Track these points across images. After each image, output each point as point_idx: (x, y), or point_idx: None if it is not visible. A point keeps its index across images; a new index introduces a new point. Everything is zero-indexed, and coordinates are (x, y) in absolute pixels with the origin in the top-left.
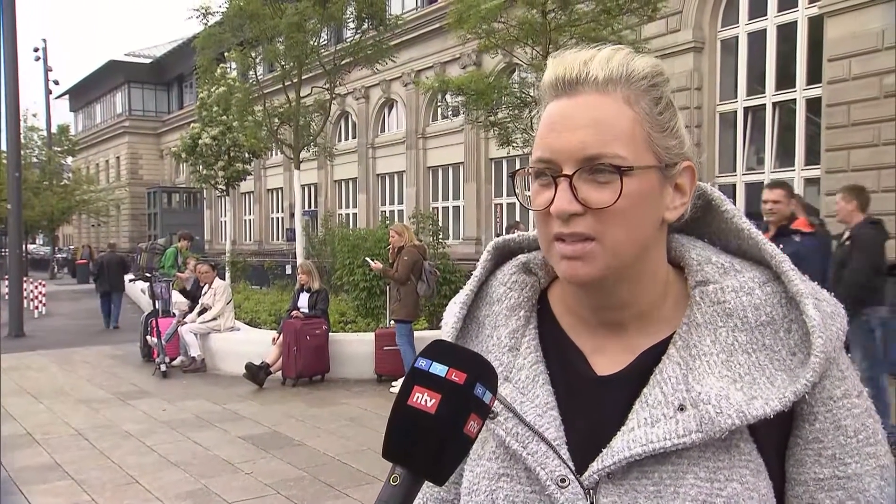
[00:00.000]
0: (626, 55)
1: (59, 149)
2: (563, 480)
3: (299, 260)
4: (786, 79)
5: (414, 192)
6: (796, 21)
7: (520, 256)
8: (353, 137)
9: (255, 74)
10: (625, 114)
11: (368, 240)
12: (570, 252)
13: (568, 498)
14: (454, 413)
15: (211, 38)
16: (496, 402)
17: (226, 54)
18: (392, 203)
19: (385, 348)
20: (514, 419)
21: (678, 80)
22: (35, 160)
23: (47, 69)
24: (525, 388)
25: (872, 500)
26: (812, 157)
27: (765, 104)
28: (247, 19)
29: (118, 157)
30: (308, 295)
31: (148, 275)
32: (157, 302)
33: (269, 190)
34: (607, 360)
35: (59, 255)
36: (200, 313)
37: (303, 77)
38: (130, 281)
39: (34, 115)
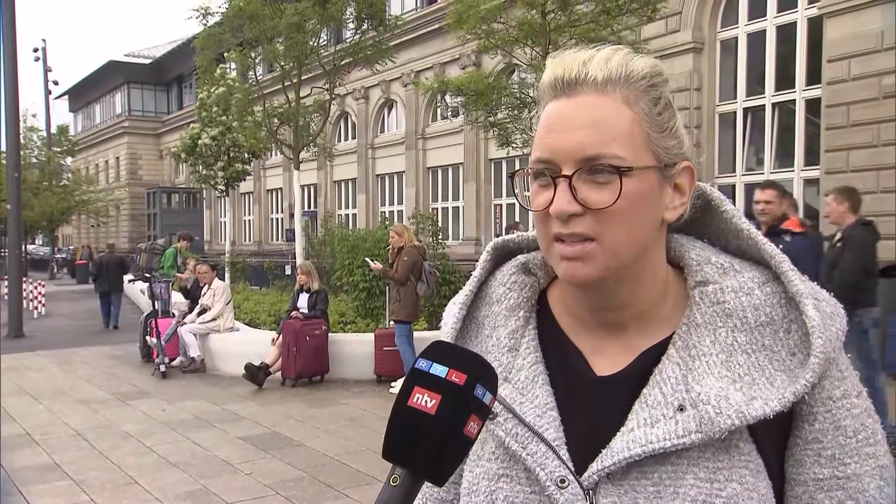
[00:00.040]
0: (625, 55)
1: (58, 149)
2: (562, 481)
3: (299, 260)
4: (785, 79)
5: (413, 192)
6: (796, 22)
7: (519, 257)
8: (353, 138)
9: (255, 75)
10: (624, 114)
11: (368, 240)
12: (570, 253)
13: (567, 499)
14: (454, 414)
15: (210, 38)
16: (496, 402)
17: (225, 55)
18: (392, 203)
19: (384, 349)
20: (514, 420)
21: (678, 81)
22: (34, 160)
23: (47, 69)
24: (524, 388)
25: (872, 501)
26: (811, 158)
27: (764, 105)
28: (246, 20)
29: (118, 158)
30: (307, 295)
31: (147, 275)
32: (156, 302)
33: (268, 190)
34: (607, 360)
35: (58, 256)
36: (200, 314)
37: (302, 77)
38: (130, 281)
39: (34, 116)
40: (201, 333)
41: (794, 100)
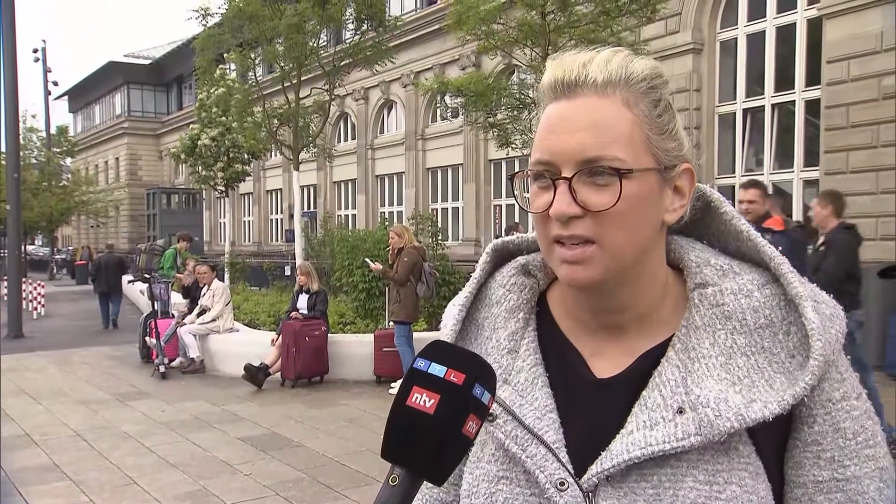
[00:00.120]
0: (625, 57)
1: (58, 150)
2: (562, 483)
3: (298, 261)
4: (785, 80)
5: (413, 193)
6: (795, 23)
7: (519, 258)
8: (353, 138)
9: (255, 75)
10: (624, 116)
11: (367, 241)
12: (570, 257)
13: (567, 501)
14: (453, 413)
15: (210, 39)
16: (495, 404)
17: (225, 55)
18: (391, 204)
19: (384, 349)
20: (514, 422)
21: (677, 82)
22: (34, 161)
23: (46, 70)
24: (524, 390)
25: (871, 503)
26: (811, 159)
27: (764, 106)
28: (246, 20)
29: (117, 158)
30: (307, 296)
31: (147, 276)
32: (156, 303)
33: (268, 191)
34: (606, 362)
35: (58, 256)
36: (199, 314)
37: (302, 78)
38: (129, 282)
39: (33, 116)
40: (201, 334)
41: (794, 101)
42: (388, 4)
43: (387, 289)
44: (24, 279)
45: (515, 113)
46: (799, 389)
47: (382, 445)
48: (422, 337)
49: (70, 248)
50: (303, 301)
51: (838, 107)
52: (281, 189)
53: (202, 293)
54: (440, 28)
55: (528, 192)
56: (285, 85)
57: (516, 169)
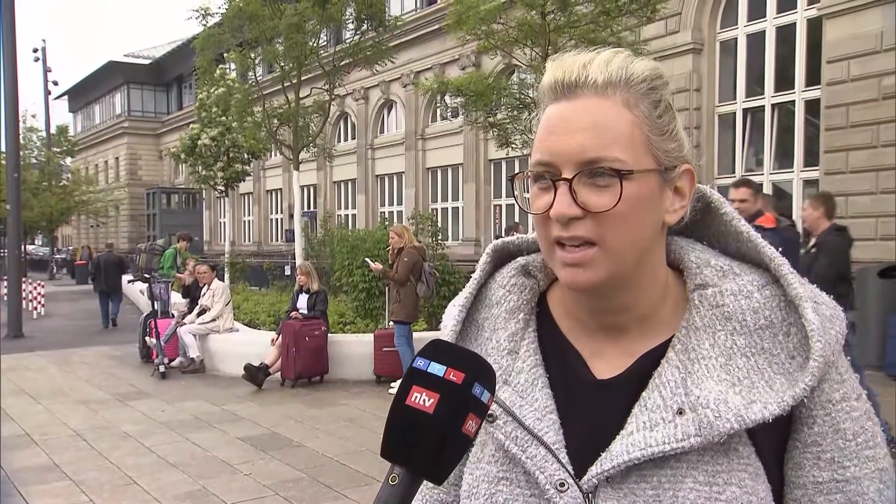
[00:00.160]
0: (626, 58)
1: (58, 149)
2: (562, 484)
3: (298, 261)
4: (785, 80)
5: (413, 193)
6: (795, 23)
7: (519, 259)
8: (353, 138)
9: (255, 75)
10: (624, 117)
11: (367, 241)
12: (571, 260)
13: (567, 502)
14: (452, 412)
15: (210, 38)
16: (495, 405)
17: (225, 55)
18: (391, 204)
19: (384, 349)
20: (513, 423)
21: (677, 82)
22: (34, 161)
23: (46, 70)
24: (524, 391)
25: None
26: (811, 159)
27: (764, 105)
28: (246, 20)
29: (117, 158)
30: (307, 296)
31: (147, 276)
32: (155, 303)
33: (268, 191)
34: (606, 363)
35: (57, 256)
36: (199, 314)
37: (302, 78)
38: (129, 282)
39: (33, 116)
40: (201, 334)
41: (794, 101)
42: (388, 4)
43: (387, 289)
44: (23, 279)
45: (515, 113)
46: (799, 390)
47: (382, 445)
48: (421, 337)
49: (70, 247)
50: (303, 301)
51: (838, 107)
52: (281, 189)
53: (202, 293)
54: (440, 28)
55: (528, 192)
56: (285, 85)
57: (516, 169)
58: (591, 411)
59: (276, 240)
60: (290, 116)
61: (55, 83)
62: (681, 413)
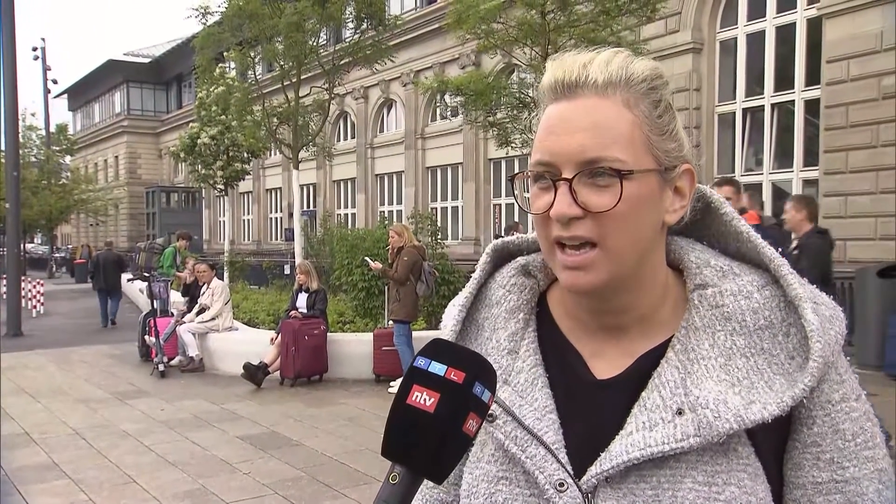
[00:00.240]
0: (626, 58)
1: (57, 148)
2: (561, 484)
3: (298, 260)
4: (784, 80)
5: (413, 192)
6: (795, 22)
7: (519, 259)
8: (352, 137)
9: (254, 74)
10: (624, 117)
11: (367, 240)
12: (572, 263)
13: (566, 502)
14: (453, 412)
15: (210, 37)
16: (495, 405)
17: (225, 54)
18: (391, 203)
19: (383, 348)
20: (513, 422)
21: (677, 82)
22: (33, 159)
23: (46, 68)
24: (524, 391)
25: None
26: (811, 159)
27: (763, 105)
28: (246, 19)
29: (117, 157)
30: (306, 295)
31: (146, 274)
32: (155, 301)
33: (267, 190)
34: (606, 363)
35: (57, 255)
36: (199, 313)
37: (302, 77)
38: (129, 280)
39: (33, 115)
40: (200, 333)
41: (794, 100)
42: (387, 3)
43: (386, 288)
44: (23, 277)
45: (515, 112)
46: (798, 391)
47: (383, 444)
48: (421, 336)
49: (69, 246)
50: (302, 300)
51: (838, 106)
52: (280, 188)
53: (201, 292)
54: (440, 27)
55: (528, 192)
56: (285, 84)
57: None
58: (591, 411)
59: (276, 239)
60: (289, 115)
61: (55, 82)
62: (680, 413)
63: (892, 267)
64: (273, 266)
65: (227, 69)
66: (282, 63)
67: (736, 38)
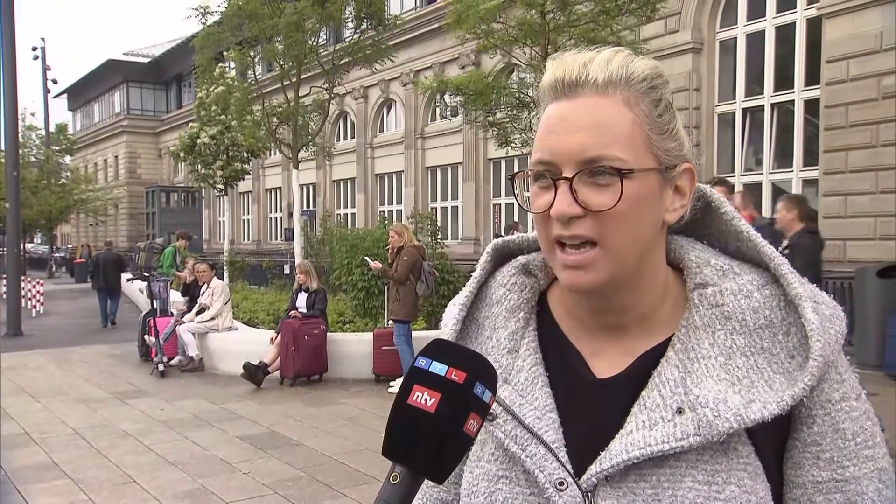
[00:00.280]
0: (626, 57)
1: (57, 148)
2: (561, 483)
3: (297, 260)
4: (784, 80)
5: (412, 192)
6: (795, 22)
7: (519, 258)
8: (352, 137)
9: (254, 74)
10: (624, 116)
11: (367, 240)
12: (572, 262)
13: (566, 501)
14: (454, 412)
15: (210, 37)
16: (495, 404)
17: (224, 54)
18: (391, 203)
19: (383, 348)
20: (513, 421)
21: (677, 81)
22: (33, 159)
23: (46, 68)
24: (524, 390)
25: (870, 503)
26: (810, 159)
27: (763, 105)
28: (245, 19)
29: (116, 157)
30: (306, 295)
31: (146, 274)
32: (155, 301)
33: (267, 189)
34: (606, 362)
35: (57, 255)
36: (198, 313)
37: (301, 77)
38: (129, 280)
39: (32, 114)
40: (200, 332)
41: (793, 100)
42: (387, 3)
43: (386, 287)
44: (23, 277)
45: (515, 112)
46: (798, 390)
47: (383, 444)
48: (421, 336)
49: (69, 246)
50: (302, 300)
51: (837, 106)
52: (280, 187)
53: (201, 291)
54: (440, 27)
55: (528, 191)
56: (285, 83)
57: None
58: (591, 410)
59: (276, 238)
60: (289, 115)
61: (54, 81)
62: (680, 412)
63: (892, 267)
64: (273, 266)
65: (227, 69)
66: (281, 63)
67: (736, 37)
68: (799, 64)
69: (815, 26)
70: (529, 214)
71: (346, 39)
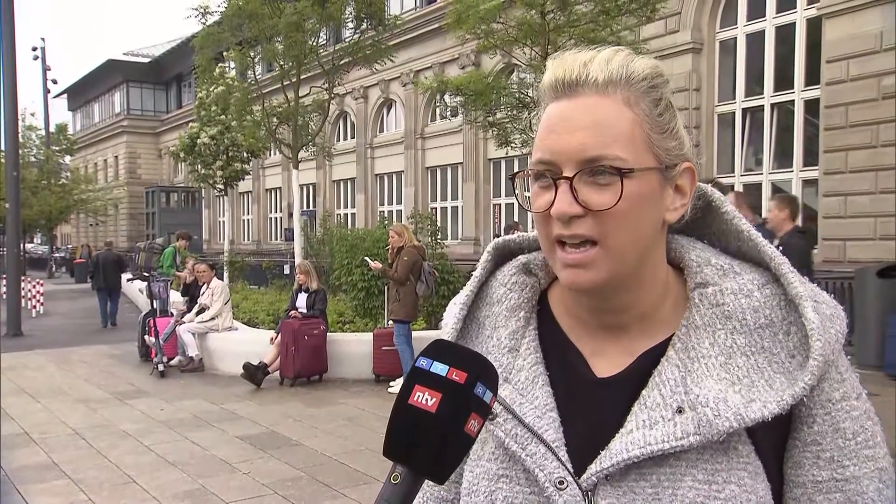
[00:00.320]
0: (626, 56)
1: (57, 148)
2: (561, 482)
3: (297, 260)
4: (784, 80)
5: (412, 192)
6: (795, 22)
7: (520, 257)
8: (352, 137)
9: (254, 74)
10: (625, 115)
11: (367, 240)
12: (572, 261)
13: (566, 500)
14: (455, 412)
15: (210, 37)
16: (496, 403)
17: (224, 54)
18: (391, 203)
19: (383, 348)
20: (514, 420)
21: (677, 81)
22: (33, 159)
23: (46, 68)
24: (524, 389)
25: (870, 503)
26: (810, 159)
27: (763, 105)
28: (245, 19)
29: (116, 157)
30: (306, 295)
31: (146, 274)
32: (154, 301)
33: (267, 190)
34: (607, 362)
35: (56, 255)
36: (198, 313)
37: (301, 77)
38: (129, 280)
39: (32, 115)
40: (200, 333)
41: (793, 100)
42: (387, 3)
43: (386, 288)
44: (23, 277)
45: (515, 112)
46: (798, 389)
47: (384, 444)
48: (421, 336)
49: (69, 246)
50: (302, 300)
51: (837, 106)
52: (280, 188)
53: (201, 291)
54: (440, 27)
55: (529, 191)
56: (285, 83)
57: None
58: (591, 409)
59: (276, 239)
60: (289, 115)
61: (54, 81)
62: (680, 411)
63: (892, 267)
64: (273, 266)
65: (227, 69)
66: (281, 63)
67: (736, 38)
68: (799, 64)
69: (815, 26)
70: (529, 214)
71: (346, 39)
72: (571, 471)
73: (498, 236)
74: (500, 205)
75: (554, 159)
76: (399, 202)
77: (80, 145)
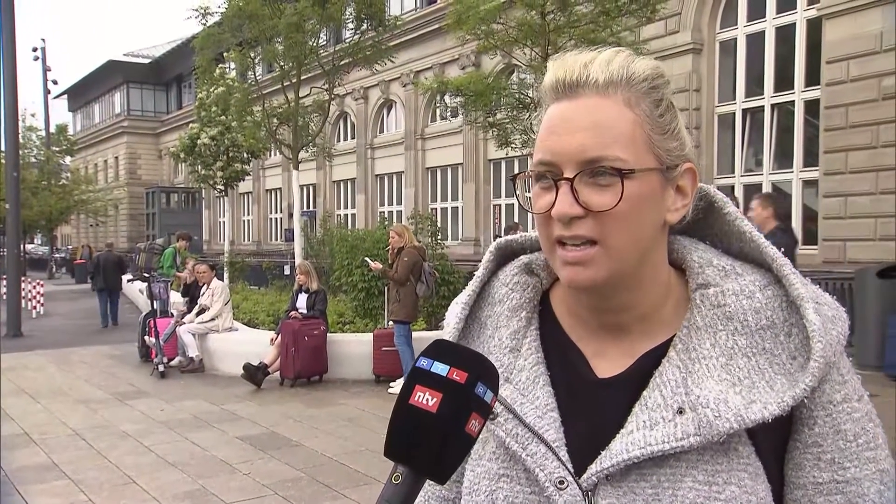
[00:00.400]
0: (627, 57)
1: (57, 149)
2: (561, 482)
3: (297, 260)
4: (784, 81)
5: (413, 192)
6: (795, 23)
7: (522, 257)
8: (352, 138)
9: (254, 75)
10: (625, 116)
11: (367, 240)
12: (572, 259)
13: (566, 500)
14: (455, 412)
15: (210, 38)
16: (497, 402)
17: (225, 54)
18: (391, 204)
19: (383, 349)
20: (514, 420)
21: (677, 82)
22: (33, 160)
23: (46, 69)
24: (525, 389)
25: None
26: (810, 159)
27: (763, 106)
28: (246, 19)
29: (117, 157)
30: (306, 295)
31: (146, 275)
32: (155, 302)
33: (267, 190)
34: (608, 362)
35: (57, 255)
36: (198, 314)
37: (302, 77)
38: (129, 281)
39: (33, 115)
40: (200, 333)
41: (794, 101)
42: (387, 4)
43: (386, 288)
44: (23, 278)
45: (515, 113)
46: (799, 391)
47: (385, 444)
48: (421, 336)
49: (69, 246)
50: (302, 300)
51: (838, 107)
52: (280, 188)
53: (201, 292)
54: (440, 28)
55: (529, 192)
56: (285, 84)
57: (516, 169)
58: (592, 410)
59: (276, 239)
60: (289, 116)
61: (55, 82)
62: (681, 412)
63: (892, 267)
64: (273, 266)
65: (227, 70)
66: (282, 63)
67: (736, 38)
68: (799, 64)
69: (815, 27)
70: (529, 215)
71: (347, 40)
72: (572, 471)
73: (498, 237)
74: (500, 205)
75: (554, 160)
76: (399, 203)
77: (81, 146)
